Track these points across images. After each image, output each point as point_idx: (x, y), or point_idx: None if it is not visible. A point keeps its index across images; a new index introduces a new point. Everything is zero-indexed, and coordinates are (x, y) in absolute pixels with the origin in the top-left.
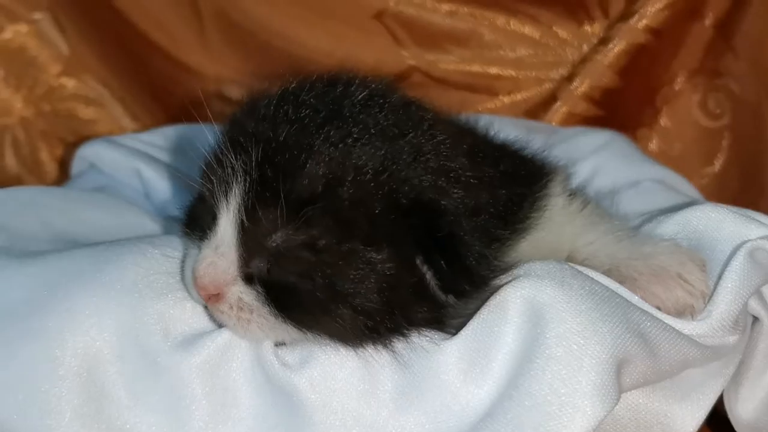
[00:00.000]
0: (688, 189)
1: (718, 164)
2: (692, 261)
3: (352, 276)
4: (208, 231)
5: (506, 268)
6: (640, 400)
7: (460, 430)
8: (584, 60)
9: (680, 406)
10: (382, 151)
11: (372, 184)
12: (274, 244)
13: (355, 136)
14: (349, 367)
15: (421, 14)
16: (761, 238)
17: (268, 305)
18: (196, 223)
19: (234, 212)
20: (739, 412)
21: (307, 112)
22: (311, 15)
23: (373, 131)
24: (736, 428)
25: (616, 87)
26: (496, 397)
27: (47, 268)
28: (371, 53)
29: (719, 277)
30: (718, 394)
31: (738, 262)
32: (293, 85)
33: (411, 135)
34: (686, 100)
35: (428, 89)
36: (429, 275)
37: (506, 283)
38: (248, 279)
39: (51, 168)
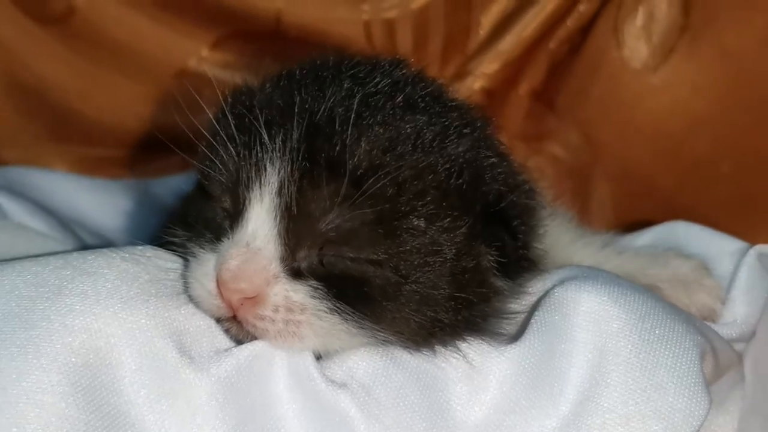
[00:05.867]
0: None
1: None
2: (703, 267)
3: (417, 256)
4: (225, 230)
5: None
6: None
7: None
8: None
9: (718, 413)
10: (434, 122)
11: (432, 155)
12: (329, 227)
13: (402, 105)
14: (407, 379)
15: (223, 74)
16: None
17: (328, 300)
18: (197, 225)
19: (272, 197)
20: None
21: (344, 84)
22: (108, 74)
23: (421, 104)
24: None
25: None
26: (573, 410)
27: (23, 276)
28: (179, 114)
29: (730, 283)
30: (740, 403)
31: (747, 267)
32: (305, 66)
33: (453, 112)
34: None
35: None
36: (487, 257)
37: (555, 285)
38: (295, 275)
39: None
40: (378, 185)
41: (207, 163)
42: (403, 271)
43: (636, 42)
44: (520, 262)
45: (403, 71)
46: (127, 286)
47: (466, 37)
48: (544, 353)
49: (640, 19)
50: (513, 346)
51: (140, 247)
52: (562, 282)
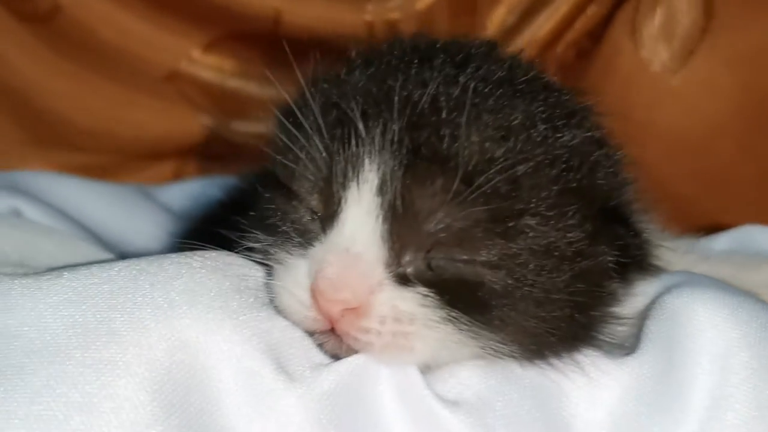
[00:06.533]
0: None
1: None
2: None
3: (534, 258)
4: (315, 233)
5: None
6: None
7: None
8: None
9: None
10: (544, 110)
11: (547, 146)
12: (438, 227)
13: (509, 92)
14: (522, 395)
15: (217, 77)
16: None
17: (440, 308)
18: (282, 227)
19: (372, 196)
20: None
21: (444, 69)
22: (95, 76)
23: (527, 90)
24: None
25: None
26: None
27: (97, 285)
28: (167, 118)
29: None
30: None
31: None
32: (394, 49)
33: (560, 98)
34: None
35: (228, 157)
36: (607, 258)
37: (663, 293)
38: (401, 281)
39: None
40: (492, 181)
41: (290, 158)
42: (520, 275)
43: (655, 44)
44: (642, 262)
45: (500, 54)
46: (211, 296)
47: None
48: (662, 366)
49: (658, 19)
50: (631, 358)
51: (215, 253)
52: (669, 289)
